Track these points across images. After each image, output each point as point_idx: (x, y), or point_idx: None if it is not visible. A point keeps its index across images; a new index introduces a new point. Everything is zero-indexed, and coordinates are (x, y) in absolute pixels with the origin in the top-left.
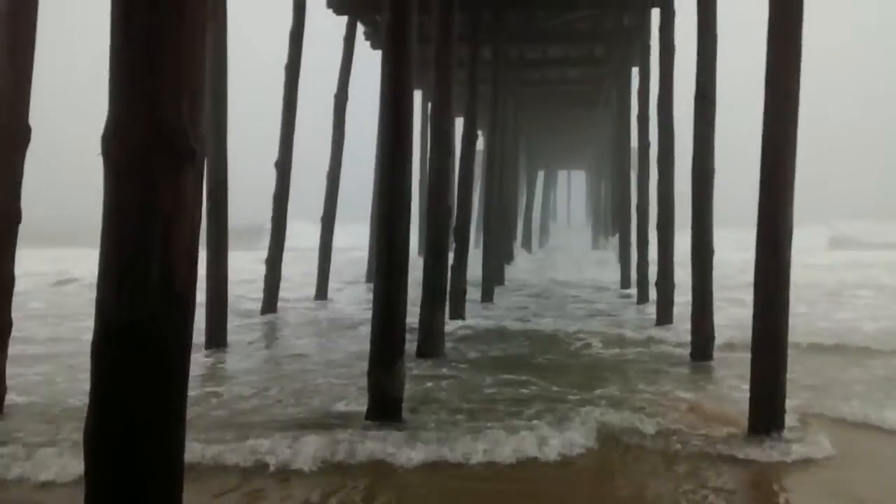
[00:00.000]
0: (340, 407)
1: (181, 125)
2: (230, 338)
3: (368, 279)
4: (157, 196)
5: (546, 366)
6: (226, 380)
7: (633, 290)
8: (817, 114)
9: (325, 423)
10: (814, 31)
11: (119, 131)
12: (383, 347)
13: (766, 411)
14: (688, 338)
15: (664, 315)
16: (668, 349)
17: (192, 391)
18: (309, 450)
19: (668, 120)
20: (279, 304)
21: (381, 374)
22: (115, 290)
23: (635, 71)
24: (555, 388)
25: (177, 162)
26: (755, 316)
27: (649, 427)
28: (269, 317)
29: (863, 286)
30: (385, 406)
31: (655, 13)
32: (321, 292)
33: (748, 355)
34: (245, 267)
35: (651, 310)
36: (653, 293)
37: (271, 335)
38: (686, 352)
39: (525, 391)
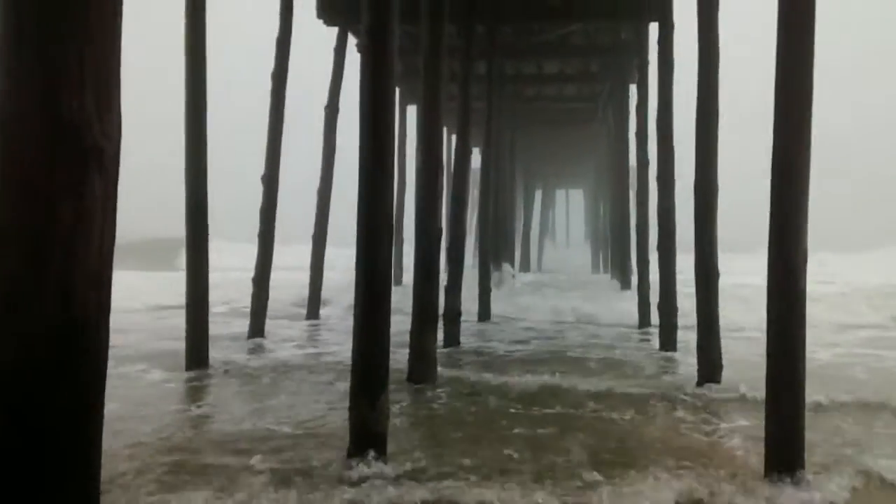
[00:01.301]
0: (323, 441)
1: (84, 118)
2: (214, 357)
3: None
4: (54, 207)
5: (545, 396)
6: (204, 406)
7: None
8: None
9: (303, 463)
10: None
11: (5, 128)
12: (365, 380)
13: (785, 454)
14: (693, 365)
15: (667, 340)
16: (671, 378)
17: (165, 413)
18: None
19: (667, 135)
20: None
21: (363, 409)
22: (2, 327)
23: (633, 87)
24: (551, 424)
25: (79, 163)
26: (769, 349)
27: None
28: (259, 340)
29: None
30: (368, 442)
31: (653, 27)
32: (313, 312)
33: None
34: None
35: (653, 333)
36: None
37: (260, 356)
38: (692, 381)
39: (523, 426)
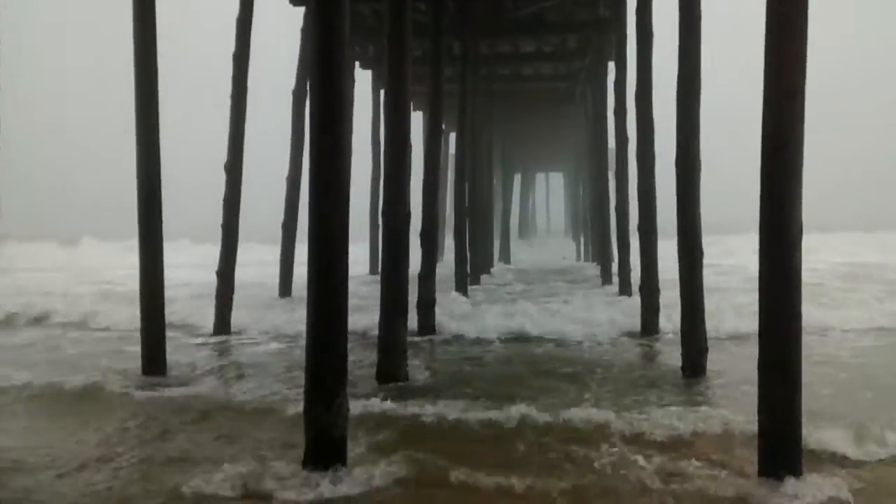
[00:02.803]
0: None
1: None
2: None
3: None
4: None
5: (529, 382)
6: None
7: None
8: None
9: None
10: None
11: None
12: (320, 379)
13: (779, 450)
14: (677, 349)
15: (649, 324)
16: (655, 363)
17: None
18: None
19: (646, 111)
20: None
21: (319, 412)
22: None
23: (611, 66)
24: (537, 413)
25: None
26: (761, 334)
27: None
28: (224, 338)
29: None
30: (326, 449)
31: (632, 2)
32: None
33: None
34: None
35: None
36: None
37: (225, 357)
38: (676, 366)
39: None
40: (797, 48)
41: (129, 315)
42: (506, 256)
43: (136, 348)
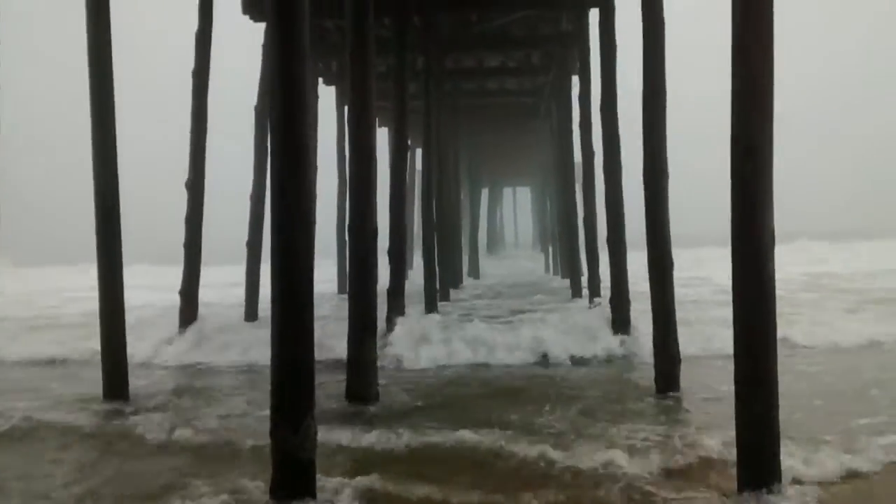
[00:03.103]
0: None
1: None
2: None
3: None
4: None
5: (495, 401)
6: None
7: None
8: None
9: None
10: None
11: None
12: (287, 402)
13: (758, 464)
14: (649, 361)
15: (620, 336)
16: (627, 376)
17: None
18: None
19: (612, 122)
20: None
21: (286, 435)
22: None
23: (576, 80)
24: (509, 435)
25: None
26: (736, 343)
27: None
28: (188, 361)
29: None
30: (294, 474)
31: (594, 16)
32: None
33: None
34: None
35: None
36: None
37: (190, 382)
38: (649, 378)
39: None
40: (764, 50)
41: (76, 340)
42: (475, 271)
43: (91, 374)
